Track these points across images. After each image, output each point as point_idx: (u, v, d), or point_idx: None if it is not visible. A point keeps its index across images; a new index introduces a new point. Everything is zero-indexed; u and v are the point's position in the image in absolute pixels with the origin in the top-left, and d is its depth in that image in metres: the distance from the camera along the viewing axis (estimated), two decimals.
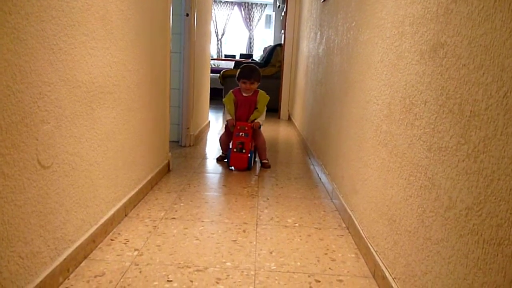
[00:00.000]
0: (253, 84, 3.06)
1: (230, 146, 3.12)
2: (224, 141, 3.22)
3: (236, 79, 3.12)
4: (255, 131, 3.11)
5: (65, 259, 1.38)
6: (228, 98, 3.16)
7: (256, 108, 3.11)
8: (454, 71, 1.02)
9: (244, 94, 3.10)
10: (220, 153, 3.29)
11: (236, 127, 3.05)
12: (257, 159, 3.28)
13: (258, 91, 3.13)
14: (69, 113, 1.36)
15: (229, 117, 3.14)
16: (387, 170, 1.47)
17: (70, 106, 1.37)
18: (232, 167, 2.99)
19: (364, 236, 1.68)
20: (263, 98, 3.14)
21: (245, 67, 3.13)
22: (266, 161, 3.17)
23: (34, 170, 1.18)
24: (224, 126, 3.27)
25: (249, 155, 2.96)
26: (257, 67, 3.12)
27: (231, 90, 3.17)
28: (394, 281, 1.33)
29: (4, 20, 1.00)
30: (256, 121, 3.08)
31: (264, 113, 3.16)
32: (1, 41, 1.00)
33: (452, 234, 0.99)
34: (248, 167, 2.97)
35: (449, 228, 1.00)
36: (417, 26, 1.28)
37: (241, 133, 3.00)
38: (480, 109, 0.90)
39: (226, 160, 3.20)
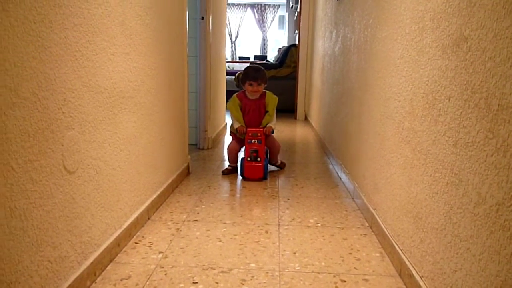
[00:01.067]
0: (261, 85, 2.80)
1: (242, 155, 2.88)
2: (232, 151, 2.91)
3: (240, 81, 2.88)
4: (268, 137, 2.88)
5: (91, 263, 1.40)
6: (233, 103, 2.88)
7: (267, 111, 2.87)
8: (479, 64, 1.01)
9: (251, 98, 2.85)
10: (227, 165, 2.97)
11: (247, 134, 2.77)
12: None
13: (266, 92, 2.89)
14: (92, 119, 1.38)
15: (238, 124, 2.85)
16: (411, 168, 1.45)
17: (93, 112, 1.39)
18: (247, 178, 2.75)
19: (388, 234, 1.67)
20: (272, 99, 2.89)
21: (250, 67, 2.87)
22: (278, 162, 3.04)
23: (61, 175, 1.20)
24: (231, 134, 3.01)
25: (264, 163, 2.75)
26: (262, 68, 2.87)
27: (234, 95, 2.91)
28: (422, 279, 1.31)
29: (29, 28, 1.02)
30: (268, 125, 2.85)
31: (274, 116, 2.93)
32: (26, 49, 1.02)
33: (483, 230, 0.97)
34: (264, 177, 2.74)
35: (479, 224, 0.99)
36: (438, 20, 1.26)
37: (253, 140, 2.75)
38: (509, 103, 0.88)
39: (237, 171, 2.92)
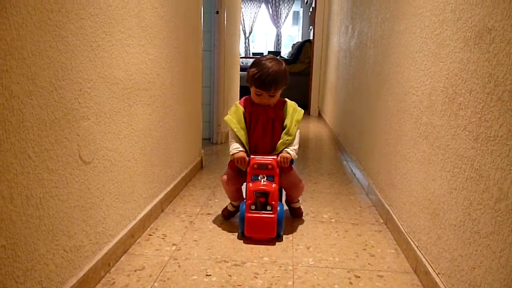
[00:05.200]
0: (275, 95, 1.76)
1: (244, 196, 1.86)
2: (230, 188, 1.89)
3: (246, 81, 1.84)
4: (285, 172, 1.84)
5: (106, 253, 1.40)
6: (235, 114, 1.81)
7: (284, 127, 1.80)
8: (504, 56, 0.98)
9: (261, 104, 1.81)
10: (228, 203, 1.96)
11: (250, 165, 1.74)
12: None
13: (285, 101, 1.85)
14: (107, 110, 1.38)
15: (236, 149, 1.78)
16: (429, 163, 1.42)
17: (108, 103, 1.39)
18: (249, 237, 1.72)
19: (404, 231, 1.64)
20: (294, 112, 1.82)
21: (263, 62, 1.74)
22: (298, 206, 2.00)
23: (76, 165, 1.20)
24: (229, 162, 1.92)
25: (278, 213, 1.69)
26: (281, 62, 1.77)
27: (238, 101, 1.87)
28: (439, 276, 1.29)
29: (46, 18, 1.02)
30: (284, 151, 1.77)
31: (297, 138, 1.82)
32: (44, 38, 1.02)
33: (504, 226, 0.94)
34: (277, 236, 1.71)
35: (500, 220, 0.96)
36: (460, 12, 1.23)
37: (261, 176, 1.73)
38: None
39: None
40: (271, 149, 1.81)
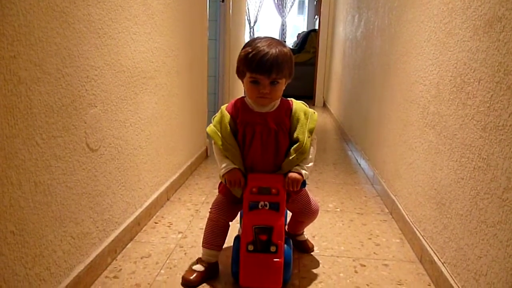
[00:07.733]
0: (278, 84, 1.23)
1: (238, 232, 1.47)
2: (214, 222, 1.35)
3: (236, 72, 1.29)
4: (295, 196, 1.38)
5: (113, 240, 1.41)
6: (220, 124, 1.30)
7: (296, 140, 1.28)
8: None
9: (257, 109, 1.29)
10: (194, 262, 1.39)
11: (248, 188, 1.27)
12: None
13: (291, 102, 1.33)
14: (114, 97, 1.38)
15: (228, 167, 1.28)
16: (435, 153, 1.42)
17: (115, 91, 1.39)
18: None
19: (409, 220, 1.64)
20: (306, 117, 1.30)
21: (257, 41, 1.23)
22: (304, 237, 1.57)
23: (83, 152, 1.21)
24: (218, 185, 1.42)
25: (285, 255, 1.26)
26: (282, 43, 1.25)
27: (223, 107, 1.33)
28: (444, 265, 1.29)
29: (53, 4, 1.02)
30: (295, 170, 1.28)
31: (313, 153, 1.33)
32: (51, 24, 1.01)
33: (511, 216, 0.94)
34: (284, 283, 1.27)
35: (508, 210, 0.96)
36: (469, 0, 1.22)
37: (262, 204, 1.26)
38: None
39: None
40: (273, 167, 1.31)
